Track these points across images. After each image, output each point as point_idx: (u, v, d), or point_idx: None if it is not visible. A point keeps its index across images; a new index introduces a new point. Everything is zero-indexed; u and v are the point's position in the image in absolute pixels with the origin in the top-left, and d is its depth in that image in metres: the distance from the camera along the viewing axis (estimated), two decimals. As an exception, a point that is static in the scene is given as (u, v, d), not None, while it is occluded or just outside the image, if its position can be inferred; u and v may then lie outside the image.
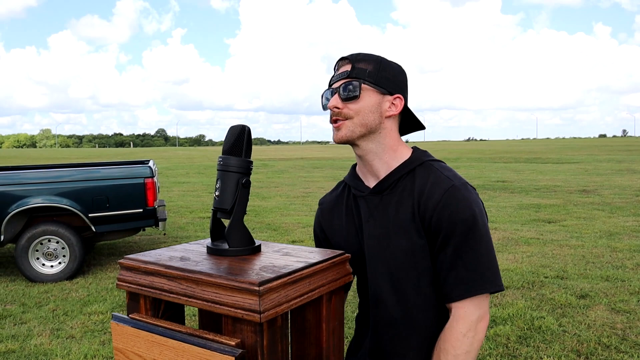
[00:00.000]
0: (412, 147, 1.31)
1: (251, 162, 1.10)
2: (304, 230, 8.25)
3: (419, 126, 1.34)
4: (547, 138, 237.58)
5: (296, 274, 0.96)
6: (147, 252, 1.11)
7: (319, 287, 1.01)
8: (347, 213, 1.32)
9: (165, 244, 7.26)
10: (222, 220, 1.14)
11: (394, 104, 1.24)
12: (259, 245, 1.11)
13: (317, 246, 1.43)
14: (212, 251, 1.08)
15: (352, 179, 1.34)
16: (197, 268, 0.97)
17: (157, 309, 1.05)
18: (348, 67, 1.23)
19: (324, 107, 1.26)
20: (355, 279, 1.32)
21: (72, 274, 5.44)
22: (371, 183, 1.28)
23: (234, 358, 0.85)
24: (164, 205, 6.49)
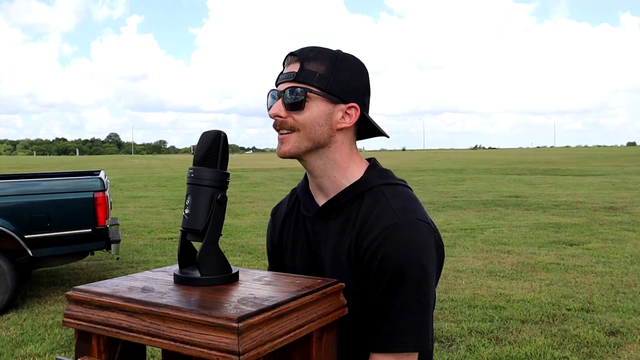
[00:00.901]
0: (368, 162, 1.31)
1: (227, 175, 1.10)
2: (284, 254, 8.20)
3: (380, 133, 1.33)
4: (567, 146, 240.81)
5: (281, 308, 0.95)
6: (100, 281, 1.09)
7: (308, 323, 1.00)
8: (296, 231, 1.35)
9: (119, 270, 7.18)
10: (193, 243, 1.13)
11: (347, 114, 1.24)
12: (237, 273, 1.10)
13: (270, 267, 1.48)
14: (180, 280, 1.07)
15: (303, 193, 1.36)
16: (163, 301, 0.95)
17: (113, 350, 1.03)
18: (296, 67, 1.21)
19: (268, 110, 1.26)
20: None
21: (2, 308, 5.35)
22: (320, 201, 1.30)
23: (207, 410, 0.84)
24: (118, 224, 6.44)
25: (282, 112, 1.21)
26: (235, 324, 0.86)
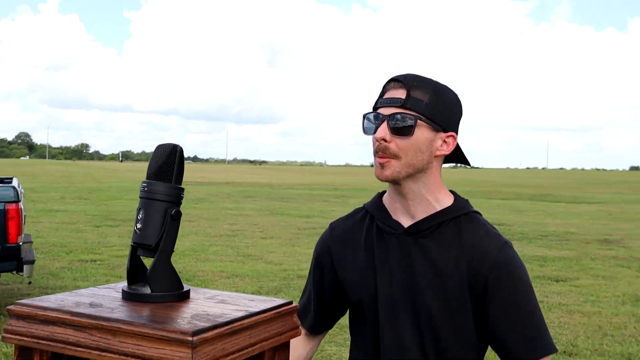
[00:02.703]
0: (451, 191, 1.64)
1: (182, 189, 1.26)
2: (229, 281, 8.37)
3: (464, 161, 1.68)
4: (562, 168, 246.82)
5: (235, 324, 1.11)
6: (43, 296, 1.23)
7: (261, 342, 1.17)
8: (367, 246, 1.62)
9: (30, 296, 7.18)
10: (143, 259, 1.28)
11: (446, 142, 1.55)
12: (188, 291, 1.26)
13: (312, 275, 1.76)
14: (129, 296, 1.22)
15: (379, 212, 1.64)
16: (114, 315, 1.11)
17: (57, 369, 1.17)
18: (402, 93, 1.50)
19: (366, 132, 1.56)
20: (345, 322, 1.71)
21: None
22: (403, 221, 1.59)
23: None
24: (31, 242, 6.47)
25: (388, 136, 1.49)
26: (189, 338, 1.01)
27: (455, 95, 1.59)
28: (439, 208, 1.56)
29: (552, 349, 1.51)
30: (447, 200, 1.59)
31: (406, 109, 1.48)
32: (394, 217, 1.60)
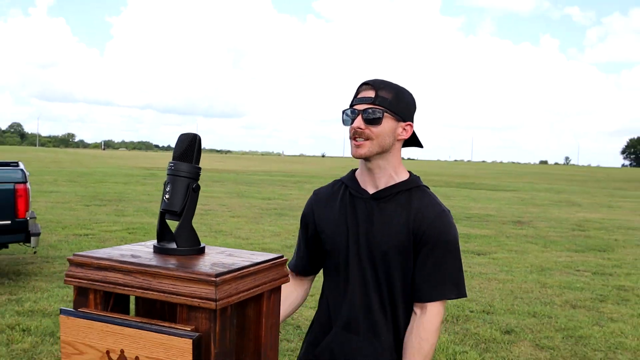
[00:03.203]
0: (408, 171, 1.85)
1: (200, 169, 1.41)
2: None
3: (418, 144, 1.88)
4: (484, 161, 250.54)
5: (244, 270, 1.28)
6: (93, 250, 1.39)
7: (262, 284, 1.34)
8: (341, 207, 1.83)
9: (34, 265, 7.18)
10: (168, 222, 1.44)
11: (405, 129, 1.77)
12: (204, 247, 1.42)
13: (301, 229, 1.97)
14: (160, 250, 1.38)
15: (352, 182, 1.86)
16: (152, 263, 1.27)
17: (106, 303, 1.33)
18: (372, 93, 1.72)
19: (345, 123, 1.77)
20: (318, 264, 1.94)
21: None
22: (369, 189, 1.81)
23: (191, 341, 1.17)
24: (35, 218, 6.48)
25: (362, 125, 1.71)
26: (213, 278, 1.18)
27: (411, 95, 1.80)
28: (397, 180, 1.78)
29: (453, 294, 1.74)
30: (404, 175, 1.81)
31: (375, 105, 1.70)
32: (363, 186, 1.81)
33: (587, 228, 12.96)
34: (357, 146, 1.73)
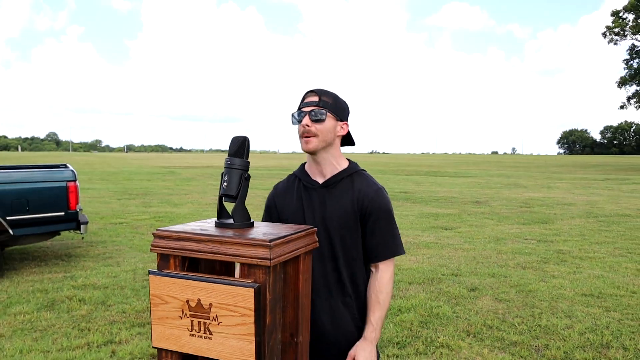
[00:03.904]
0: (347, 159, 1.89)
1: (249, 163, 1.55)
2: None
3: (351, 143, 1.93)
4: (445, 153, 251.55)
5: (287, 237, 1.43)
6: (170, 226, 1.52)
7: (299, 248, 1.49)
8: (297, 197, 1.86)
9: (81, 249, 7.27)
10: (225, 204, 1.57)
11: (342, 127, 1.83)
12: (254, 222, 1.57)
13: (266, 216, 1.96)
14: (221, 225, 1.52)
15: (303, 175, 1.89)
16: (218, 233, 1.41)
17: (183, 265, 1.47)
18: (316, 98, 1.77)
19: (293, 123, 1.81)
20: None
21: (-14, 277, 5.41)
22: (318, 179, 1.84)
23: (253, 290, 1.31)
24: (82, 209, 6.56)
25: (309, 123, 1.75)
26: (268, 243, 1.33)
27: (345, 101, 1.85)
28: (339, 169, 1.84)
29: (400, 252, 1.83)
30: (344, 164, 1.86)
31: (319, 107, 1.75)
32: (313, 177, 1.86)
33: (532, 205, 13.16)
34: (307, 142, 1.76)
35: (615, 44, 44.80)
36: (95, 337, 3.94)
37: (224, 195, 1.55)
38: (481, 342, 3.92)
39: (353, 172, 1.84)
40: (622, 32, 43.95)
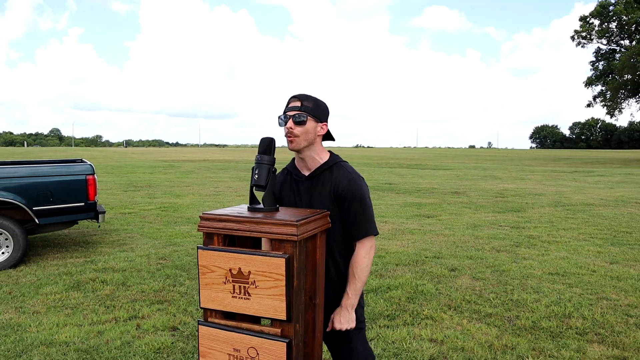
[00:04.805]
0: (328, 151, 2.04)
1: (275, 159, 1.79)
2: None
3: (332, 138, 2.06)
4: (426, 147, 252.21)
5: (308, 219, 1.68)
6: (212, 210, 1.76)
7: (317, 227, 1.74)
8: (290, 188, 2.04)
9: (97, 236, 7.45)
10: (255, 193, 1.82)
11: (322, 127, 1.95)
12: (279, 207, 1.81)
13: None
14: (253, 209, 1.77)
15: (293, 169, 2.05)
16: (253, 215, 1.66)
17: (224, 242, 1.72)
18: (298, 103, 1.90)
19: (280, 125, 1.95)
20: None
21: (16, 262, 5.59)
22: (305, 172, 2.01)
23: (284, 259, 1.56)
24: (98, 200, 6.74)
25: (292, 126, 1.89)
26: (295, 222, 1.58)
27: (325, 104, 1.97)
28: (321, 162, 1.97)
29: (372, 232, 1.92)
30: (325, 157, 1.99)
31: (301, 111, 1.88)
32: (301, 171, 2.01)
33: (506, 195, 13.43)
34: (290, 142, 1.91)
35: (582, 46, 45.45)
36: (120, 313, 4.16)
37: (255, 186, 1.79)
38: (461, 314, 4.20)
39: (333, 164, 1.97)
40: (588, 36, 44.58)
